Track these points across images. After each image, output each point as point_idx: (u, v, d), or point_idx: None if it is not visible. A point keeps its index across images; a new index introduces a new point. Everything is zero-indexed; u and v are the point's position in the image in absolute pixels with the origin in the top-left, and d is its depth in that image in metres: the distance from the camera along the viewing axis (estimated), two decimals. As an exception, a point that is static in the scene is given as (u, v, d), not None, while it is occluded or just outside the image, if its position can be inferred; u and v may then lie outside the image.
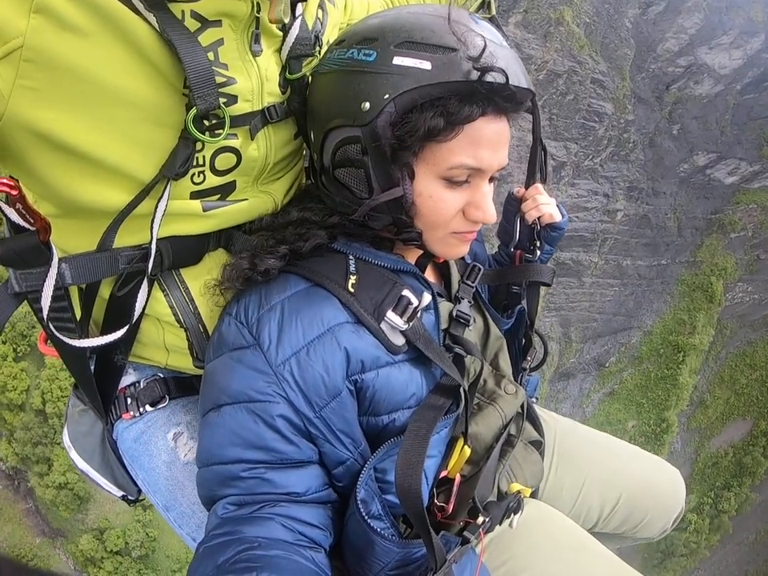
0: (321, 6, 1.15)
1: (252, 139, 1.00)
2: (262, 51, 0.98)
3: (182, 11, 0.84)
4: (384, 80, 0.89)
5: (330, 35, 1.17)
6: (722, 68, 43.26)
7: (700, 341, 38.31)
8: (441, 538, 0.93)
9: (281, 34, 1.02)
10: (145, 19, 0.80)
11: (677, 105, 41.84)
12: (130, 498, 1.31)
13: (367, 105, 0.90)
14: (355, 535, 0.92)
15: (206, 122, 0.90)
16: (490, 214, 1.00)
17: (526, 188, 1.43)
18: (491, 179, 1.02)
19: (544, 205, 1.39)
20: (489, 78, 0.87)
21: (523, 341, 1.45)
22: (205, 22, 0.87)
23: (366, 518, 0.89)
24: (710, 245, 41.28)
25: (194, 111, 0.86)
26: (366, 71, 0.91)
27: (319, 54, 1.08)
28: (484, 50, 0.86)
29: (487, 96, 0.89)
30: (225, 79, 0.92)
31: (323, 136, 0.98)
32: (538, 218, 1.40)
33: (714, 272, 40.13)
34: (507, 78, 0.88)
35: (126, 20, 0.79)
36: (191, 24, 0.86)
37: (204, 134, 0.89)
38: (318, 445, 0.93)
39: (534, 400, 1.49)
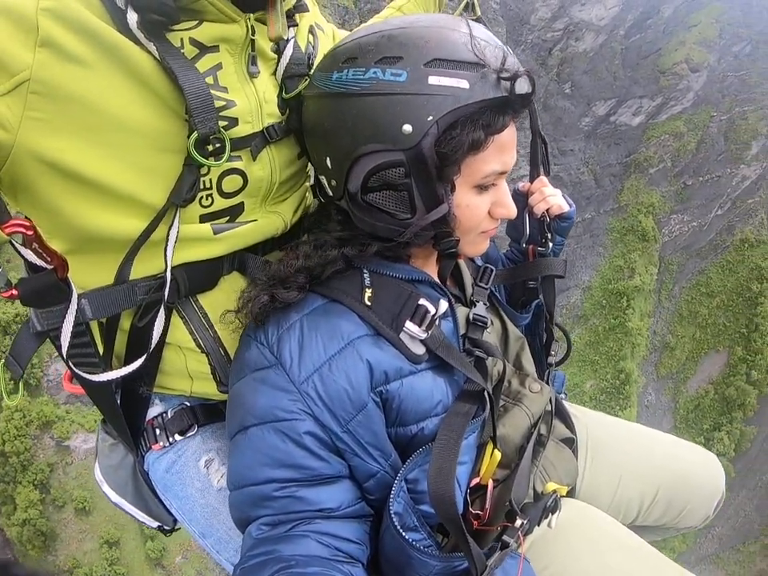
0: (311, 32, 1.18)
1: (254, 160, 1.02)
2: (259, 73, 1.01)
3: (181, 39, 0.89)
4: (424, 101, 0.88)
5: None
6: (600, 20, 43.90)
7: (642, 281, 36.90)
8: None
9: (275, 56, 1.05)
10: (145, 49, 0.85)
11: (563, 65, 42.51)
12: (165, 528, 1.33)
13: (409, 128, 0.88)
14: (392, 549, 0.92)
15: (209, 147, 0.93)
16: (513, 209, 1.04)
17: (531, 182, 1.43)
18: None
19: (551, 196, 1.39)
20: (518, 88, 0.90)
21: (544, 335, 1.46)
22: (203, 48, 0.92)
23: (402, 531, 0.89)
24: (630, 186, 40.50)
25: (195, 136, 0.88)
26: (399, 93, 0.89)
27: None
28: (505, 61, 0.90)
29: (515, 105, 0.93)
30: (225, 102, 0.95)
31: (350, 163, 0.95)
32: (547, 211, 1.39)
33: (641, 211, 39.13)
34: (533, 86, 0.93)
35: (127, 50, 0.83)
36: (190, 51, 0.90)
37: (207, 159, 0.92)
38: (346, 459, 0.93)
39: (562, 396, 1.48)
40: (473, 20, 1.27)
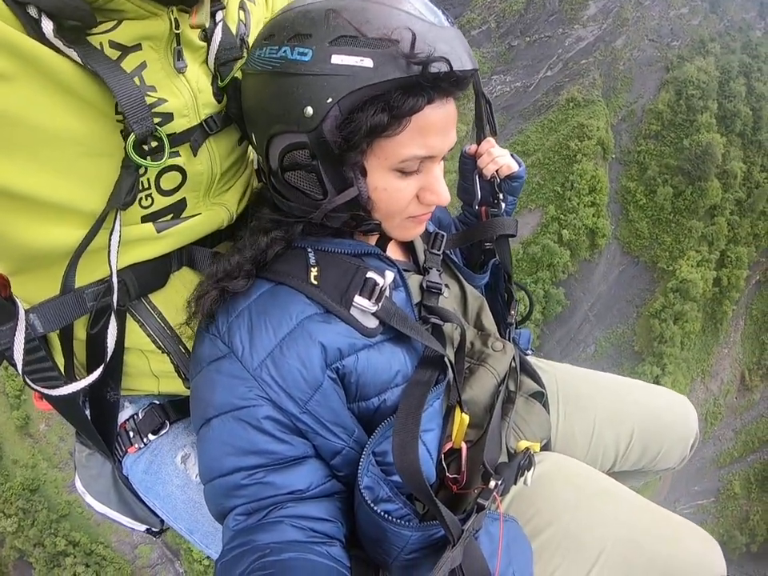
0: (242, 7, 1.12)
1: (195, 155, 0.98)
2: (186, 67, 0.95)
3: (100, 43, 0.83)
4: (324, 82, 0.84)
5: (255, 33, 1.10)
6: None
7: (446, 138, 34.38)
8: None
9: (204, 44, 1.00)
10: (65, 55, 0.79)
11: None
12: (154, 530, 1.31)
13: (310, 110, 0.85)
14: (366, 523, 0.91)
15: (146, 147, 0.89)
16: (444, 196, 0.99)
17: (478, 143, 1.39)
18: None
19: (500, 157, 1.37)
20: (432, 68, 0.82)
21: (505, 295, 1.47)
22: (124, 50, 0.86)
23: (373, 505, 0.88)
24: (451, 49, 38.04)
25: (132, 137, 0.84)
26: (303, 73, 0.85)
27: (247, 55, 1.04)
28: (414, 41, 0.82)
29: (432, 85, 0.86)
30: (155, 100, 0.90)
31: (267, 141, 0.94)
32: (497, 171, 1.38)
33: (457, 71, 36.66)
34: (451, 66, 0.84)
35: (46, 59, 0.77)
36: (111, 54, 0.84)
37: (146, 159, 0.88)
38: (310, 439, 0.92)
39: (529, 353, 1.52)
40: None
